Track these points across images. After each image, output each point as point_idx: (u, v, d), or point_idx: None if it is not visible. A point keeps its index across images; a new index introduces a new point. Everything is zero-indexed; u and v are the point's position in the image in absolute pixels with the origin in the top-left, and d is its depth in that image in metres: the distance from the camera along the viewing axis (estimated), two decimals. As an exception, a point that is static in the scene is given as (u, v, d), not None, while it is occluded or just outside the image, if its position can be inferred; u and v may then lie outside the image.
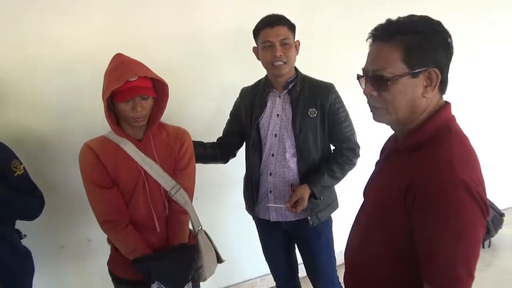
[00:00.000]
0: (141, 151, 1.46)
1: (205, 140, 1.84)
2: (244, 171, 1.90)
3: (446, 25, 0.91)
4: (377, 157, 1.15)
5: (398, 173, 0.93)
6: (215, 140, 1.88)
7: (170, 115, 1.61)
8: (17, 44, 1.75)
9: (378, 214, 0.97)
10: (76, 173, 1.90)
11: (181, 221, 1.56)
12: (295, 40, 1.65)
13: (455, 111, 0.97)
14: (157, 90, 1.45)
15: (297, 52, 1.66)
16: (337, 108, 1.69)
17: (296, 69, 1.72)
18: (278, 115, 1.69)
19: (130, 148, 1.45)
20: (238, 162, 1.91)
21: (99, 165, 1.41)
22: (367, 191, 1.12)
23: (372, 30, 0.92)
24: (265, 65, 1.66)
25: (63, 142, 1.88)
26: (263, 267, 2.34)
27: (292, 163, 1.70)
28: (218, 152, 1.82)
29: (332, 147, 1.80)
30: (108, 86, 1.34)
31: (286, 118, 1.68)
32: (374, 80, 0.91)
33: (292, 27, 1.64)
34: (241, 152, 1.90)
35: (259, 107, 1.71)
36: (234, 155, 1.89)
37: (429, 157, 0.87)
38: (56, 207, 1.91)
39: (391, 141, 1.08)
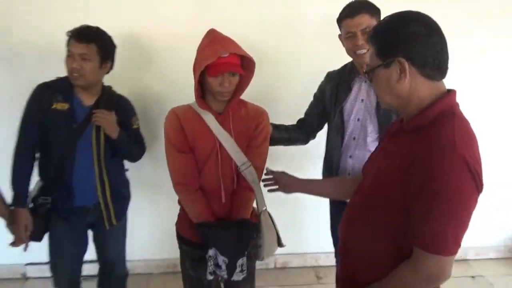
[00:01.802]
0: (220, 123, 1.53)
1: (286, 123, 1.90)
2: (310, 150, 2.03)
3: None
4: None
5: (401, 150, 1.00)
6: (294, 122, 1.93)
7: (257, 95, 1.71)
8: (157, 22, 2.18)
9: (377, 188, 1.04)
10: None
11: (246, 197, 1.60)
12: None
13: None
14: (244, 67, 1.50)
15: None
16: None
17: None
18: (362, 100, 1.70)
19: (210, 120, 1.52)
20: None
21: (181, 131, 1.51)
22: (367, 168, 1.20)
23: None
24: (348, 53, 1.69)
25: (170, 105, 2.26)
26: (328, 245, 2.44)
27: (373, 147, 1.66)
28: (300, 134, 1.89)
29: None
30: (202, 61, 1.41)
31: (370, 104, 1.69)
32: (366, 75, 1.09)
33: (375, 13, 1.61)
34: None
35: (344, 91, 1.74)
36: (314, 137, 1.95)
37: (432, 136, 0.94)
38: (158, 153, 2.24)
39: (397, 122, 1.14)
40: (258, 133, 1.59)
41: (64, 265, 1.92)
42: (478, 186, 0.91)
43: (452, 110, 0.98)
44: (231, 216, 1.58)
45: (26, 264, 2.56)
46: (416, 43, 0.95)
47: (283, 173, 1.55)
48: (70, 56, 1.68)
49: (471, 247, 2.86)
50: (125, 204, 1.99)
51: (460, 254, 3.03)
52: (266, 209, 1.64)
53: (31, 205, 1.77)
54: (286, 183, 1.52)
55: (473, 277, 2.70)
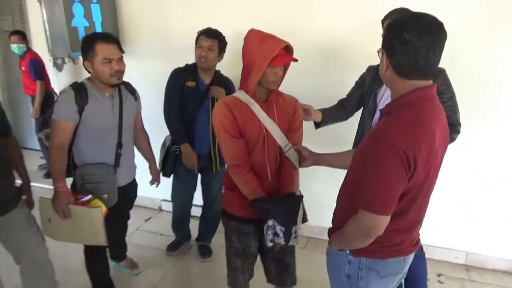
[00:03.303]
0: (265, 111, 1.66)
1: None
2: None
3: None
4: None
5: (374, 129, 1.25)
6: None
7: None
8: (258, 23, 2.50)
9: (355, 165, 1.30)
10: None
11: (291, 174, 1.75)
12: None
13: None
14: None
15: None
16: (442, 90, 1.86)
17: None
18: None
19: (257, 108, 1.64)
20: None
21: (232, 117, 1.61)
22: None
23: None
24: None
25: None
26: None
27: None
28: (341, 112, 2.20)
29: None
30: (269, 53, 1.53)
31: None
32: None
33: None
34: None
35: (379, 81, 1.97)
36: (352, 115, 2.24)
37: (387, 120, 1.19)
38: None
39: None
40: (295, 118, 1.75)
41: (183, 196, 2.74)
42: (403, 163, 1.10)
43: (414, 102, 1.16)
44: (279, 191, 1.72)
45: (162, 199, 3.53)
46: (395, 47, 1.13)
47: (304, 147, 1.75)
48: (200, 47, 2.34)
49: None
50: None
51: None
52: (299, 186, 1.85)
53: (164, 152, 2.56)
54: (305, 156, 1.72)
55: None
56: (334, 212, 1.45)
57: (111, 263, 2.50)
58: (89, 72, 1.96)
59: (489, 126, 2.53)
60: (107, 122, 1.99)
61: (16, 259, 2.04)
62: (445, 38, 1.14)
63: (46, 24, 2.68)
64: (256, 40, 1.59)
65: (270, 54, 1.53)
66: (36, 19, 3.26)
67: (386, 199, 1.15)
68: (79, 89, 1.90)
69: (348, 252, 1.35)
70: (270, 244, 1.64)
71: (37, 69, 4.02)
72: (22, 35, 4.03)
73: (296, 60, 1.61)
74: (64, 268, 2.16)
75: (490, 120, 2.52)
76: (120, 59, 1.93)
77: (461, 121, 1.96)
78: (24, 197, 1.99)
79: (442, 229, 2.76)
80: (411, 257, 1.39)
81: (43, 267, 2.12)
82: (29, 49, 4.08)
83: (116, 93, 2.03)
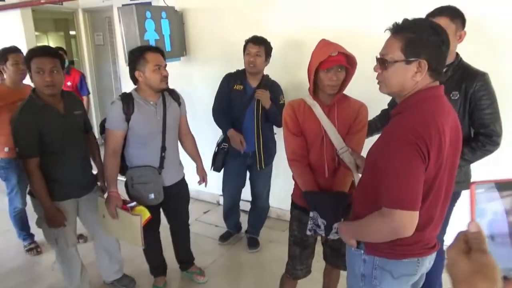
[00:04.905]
0: (326, 114, 1.78)
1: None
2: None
3: None
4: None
5: (385, 130, 1.28)
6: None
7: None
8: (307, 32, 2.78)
9: (372, 163, 1.30)
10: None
11: (344, 175, 1.83)
12: (462, 30, 1.80)
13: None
14: (349, 64, 1.73)
15: (460, 41, 1.81)
16: (481, 96, 1.77)
17: (457, 55, 1.86)
18: None
19: (318, 111, 1.79)
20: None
21: (295, 118, 1.81)
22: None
23: (390, 25, 1.21)
24: None
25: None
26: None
27: None
28: (385, 123, 2.12)
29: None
30: (316, 59, 1.67)
31: None
32: (380, 61, 1.23)
33: (456, 18, 1.78)
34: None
35: None
36: None
37: (397, 119, 1.21)
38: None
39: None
40: (358, 122, 1.81)
41: (231, 190, 2.99)
42: (421, 155, 1.12)
43: (426, 99, 1.18)
44: (332, 189, 1.83)
45: (220, 194, 3.81)
46: (436, 51, 1.15)
47: (359, 156, 1.76)
48: (248, 54, 2.56)
49: None
50: (271, 155, 2.83)
51: None
52: None
53: (216, 149, 2.83)
54: (358, 165, 1.74)
55: None
56: (352, 209, 1.50)
57: (181, 273, 2.75)
58: (136, 82, 2.13)
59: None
60: (152, 128, 2.15)
61: (91, 235, 2.47)
62: None
63: (124, 38, 3.13)
64: (317, 47, 1.76)
65: (319, 58, 1.67)
66: (119, 34, 3.78)
67: (413, 192, 1.15)
68: (126, 99, 2.09)
69: (362, 251, 1.38)
70: (308, 233, 1.78)
71: (86, 84, 4.13)
72: (64, 51, 4.03)
73: (347, 66, 1.70)
74: (128, 248, 2.54)
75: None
76: (165, 66, 2.10)
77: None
78: (99, 183, 2.40)
79: None
80: (427, 260, 1.37)
81: (109, 244, 2.52)
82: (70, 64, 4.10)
83: (160, 101, 2.18)
